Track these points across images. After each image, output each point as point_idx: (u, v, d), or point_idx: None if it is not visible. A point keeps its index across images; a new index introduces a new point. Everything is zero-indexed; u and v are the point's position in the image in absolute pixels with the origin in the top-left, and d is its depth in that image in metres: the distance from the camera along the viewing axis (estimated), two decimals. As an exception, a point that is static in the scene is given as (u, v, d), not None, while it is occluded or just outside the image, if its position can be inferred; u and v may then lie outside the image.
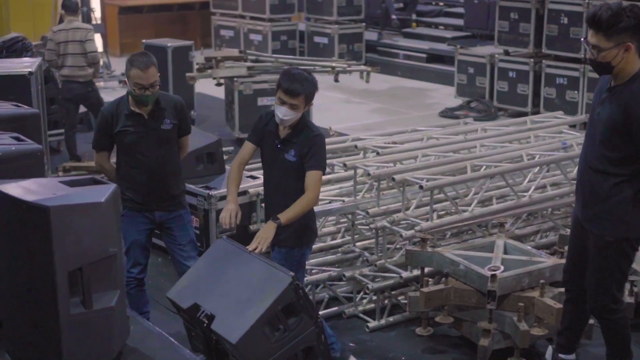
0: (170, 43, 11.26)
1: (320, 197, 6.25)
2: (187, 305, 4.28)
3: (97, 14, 15.84)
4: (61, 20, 11.83)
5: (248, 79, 10.41)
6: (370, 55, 16.13)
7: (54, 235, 3.15)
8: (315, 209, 6.02)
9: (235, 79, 10.39)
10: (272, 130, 4.89)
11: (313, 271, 6.08)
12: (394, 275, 5.85)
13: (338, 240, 6.39)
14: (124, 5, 17.70)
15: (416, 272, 5.72)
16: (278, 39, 16.11)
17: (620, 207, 4.34)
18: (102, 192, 3.36)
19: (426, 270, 5.57)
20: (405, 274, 5.79)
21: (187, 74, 10.39)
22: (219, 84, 10.34)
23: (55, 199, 3.20)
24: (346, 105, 13.26)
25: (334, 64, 10.71)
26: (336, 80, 10.75)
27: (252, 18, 16.37)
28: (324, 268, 6.12)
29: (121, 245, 3.47)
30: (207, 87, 10.96)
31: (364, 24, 16.10)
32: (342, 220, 6.52)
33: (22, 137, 3.94)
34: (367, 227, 6.23)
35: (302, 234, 4.93)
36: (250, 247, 4.50)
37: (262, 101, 10.48)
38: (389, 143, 6.85)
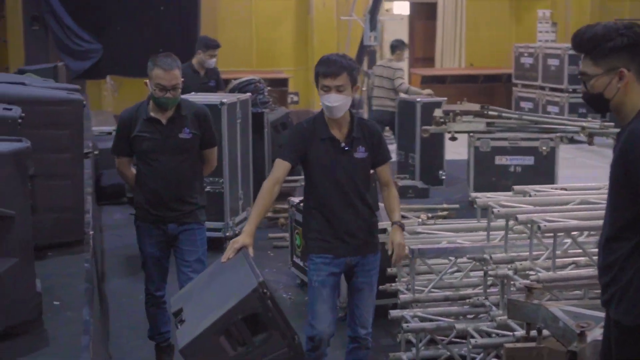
0: (421, 98, 10.90)
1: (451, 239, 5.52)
2: (174, 310, 3.89)
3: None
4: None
5: (486, 135, 9.67)
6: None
7: None
8: (426, 247, 5.34)
9: (471, 134, 9.72)
10: (325, 136, 4.44)
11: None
12: (508, 333, 4.91)
13: (469, 291, 5.53)
14: (427, 75, 17.68)
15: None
16: (576, 111, 15.04)
17: (634, 284, 3.12)
18: (-2, 147, 3.13)
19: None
20: (519, 333, 4.82)
21: (423, 127, 9.92)
22: (453, 139, 9.73)
23: None
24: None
25: (584, 124, 9.60)
26: (590, 143, 9.64)
27: (551, 89, 15.61)
28: (439, 318, 5.31)
29: (25, 211, 3.18)
30: (460, 145, 10.37)
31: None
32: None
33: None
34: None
35: None
36: (394, 259, 4.58)
37: (501, 160, 9.67)
38: (558, 188, 5.87)
